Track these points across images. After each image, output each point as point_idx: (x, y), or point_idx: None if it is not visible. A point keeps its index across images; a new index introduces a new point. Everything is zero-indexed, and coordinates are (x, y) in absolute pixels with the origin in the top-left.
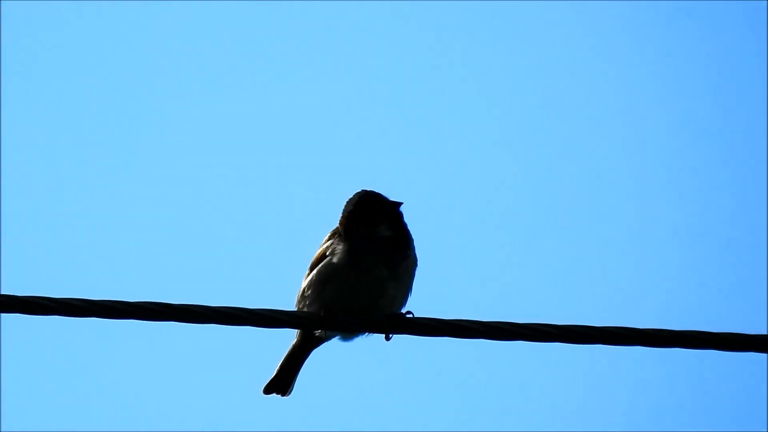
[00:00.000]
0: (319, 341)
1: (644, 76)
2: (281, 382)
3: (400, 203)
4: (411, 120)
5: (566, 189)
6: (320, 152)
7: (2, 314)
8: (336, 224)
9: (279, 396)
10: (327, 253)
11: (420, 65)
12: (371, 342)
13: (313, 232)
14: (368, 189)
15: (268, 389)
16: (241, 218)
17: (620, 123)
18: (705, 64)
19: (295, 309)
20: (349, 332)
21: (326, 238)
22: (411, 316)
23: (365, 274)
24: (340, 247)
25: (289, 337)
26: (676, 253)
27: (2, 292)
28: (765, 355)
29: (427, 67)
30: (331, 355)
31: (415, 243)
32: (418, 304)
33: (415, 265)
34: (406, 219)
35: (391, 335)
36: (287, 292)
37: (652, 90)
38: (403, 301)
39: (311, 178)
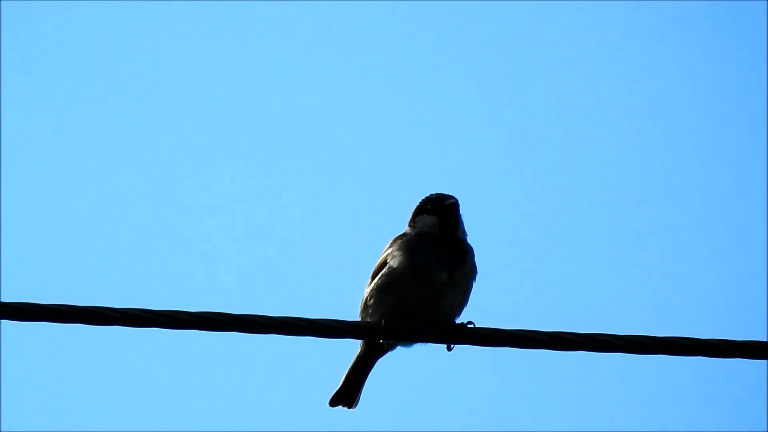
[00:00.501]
0: (383, 351)
1: (644, 75)
2: (347, 394)
3: (454, 203)
4: (470, 123)
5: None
6: (380, 160)
7: (57, 323)
8: (398, 232)
9: (345, 408)
10: (388, 261)
11: (452, 64)
12: (430, 351)
13: (377, 240)
14: (440, 192)
15: (335, 401)
16: (297, 227)
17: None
18: (705, 64)
19: (359, 318)
20: (410, 341)
21: (388, 244)
22: (473, 326)
23: (425, 280)
24: (399, 253)
25: (353, 347)
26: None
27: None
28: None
29: (463, 67)
30: (389, 363)
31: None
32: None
33: (474, 272)
34: (470, 232)
35: (453, 346)
36: (349, 301)
37: (652, 90)
38: (461, 308)
39: (373, 186)
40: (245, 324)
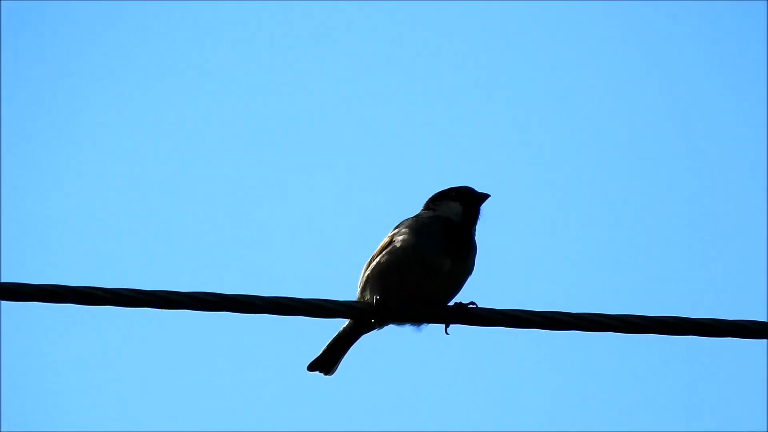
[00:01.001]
0: (372, 328)
1: (646, 75)
2: (326, 362)
3: (485, 196)
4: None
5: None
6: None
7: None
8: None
9: (322, 375)
10: (394, 239)
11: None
12: (426, 331)
13: (375, 225)
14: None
15: (312, 367)
16: (297, 211)
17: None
18: (705, 64)
19: (357, 298)
20: (404, 322)
21: (396, 225)
22: (474, 306)
23: (428, 266)
24: (407, 234)
25: (344, 321)
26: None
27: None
28: (762, 352)
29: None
30: (379, 339)
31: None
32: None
33: (472, 270)
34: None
35: (449, 327)
36: (346, 282)
37: (651, 90)
38: (454, 296)
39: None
40: (237, 304)
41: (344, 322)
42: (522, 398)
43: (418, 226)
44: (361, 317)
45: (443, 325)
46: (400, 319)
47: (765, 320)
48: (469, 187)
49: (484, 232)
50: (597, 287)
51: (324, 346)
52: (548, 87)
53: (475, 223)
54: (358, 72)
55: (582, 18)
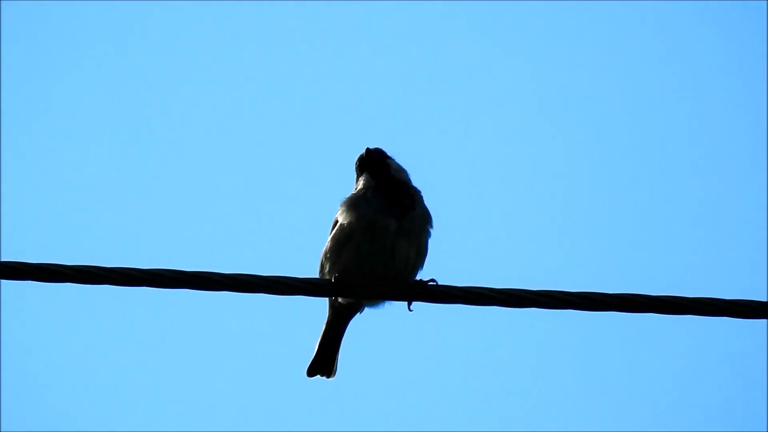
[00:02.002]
0: (350, 313)
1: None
2: (323, 362)
3: (368, 150)
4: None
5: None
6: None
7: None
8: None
9: (325, 378)
10: (338, 219)
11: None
12: (392, 310)
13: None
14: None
15: (312, 371)
16: (259, 192)
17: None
18: (705, 64)
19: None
20: (368, 299)
21: (338, 207)
22: (434, 284)
23: (375, 231)
24: (346, 209)
25: (323, 315)
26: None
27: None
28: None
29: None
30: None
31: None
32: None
33: (426, 217)
34: (425, 190)
35: (412, 304)
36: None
37: (651, 89)
38: (418, 263)
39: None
40: (197, 281)
41: (324, 319)
42: (482, 377)
43: (352, 201)
44: (324, 293)
45: (406, 303)
46: (362, 296)
47: (763, 300)
48: (362, 154)
49: (448, 211)
50: (563, 265)
51: (315, 347)
52: (543, 83)
53: (387, 174)
54: (342, 68)
55: (582, 18)
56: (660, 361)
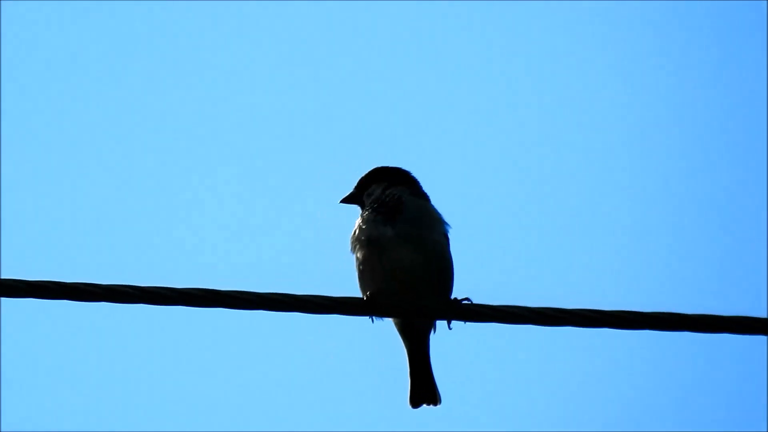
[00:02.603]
0: (422, 334)
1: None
2: (422, 390)
3: (348, 196)
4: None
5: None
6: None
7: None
8: None
9: (432, 406)
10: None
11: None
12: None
13: None
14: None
15: (416, 401)
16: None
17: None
18: (705, 64)
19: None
20: (400, 317)
21: None
22: (468, 302)
23: (376, 244)
24: (356, 233)
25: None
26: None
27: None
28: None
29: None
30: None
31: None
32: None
33: (426, 218)
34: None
35: (451, 322)
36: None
37: (651, 89)
38: (438, 274)
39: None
40: (229, 300)
41: (403, 347)
42: (516, 395)
43: (358, 223)
44: (356, 312)
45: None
46: (394, 315)
47: (763, 316)
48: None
49: (479, 230)
50: (595, 284)
51: (408, 376)
52: (546, 85)
53: (362, 193)
54: (348, 70)
55: (581, 18)
56: (696, 382)
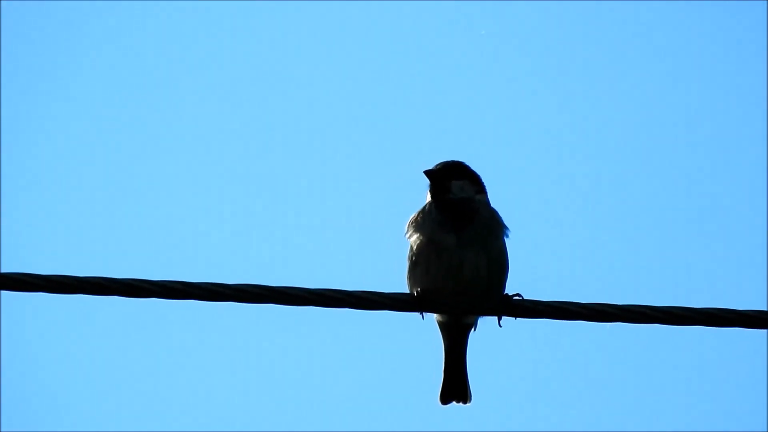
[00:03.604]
0: (463, 331)
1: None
2: (453, 387)
3: (428, 171)
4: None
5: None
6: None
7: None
8: None
9: (461, 404)
10: (408, 239)
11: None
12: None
13: None
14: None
15: (445, 398)
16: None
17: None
18: (705, 64)
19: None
20: (452, 315)
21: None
22: (519, 298)
23: (436, 248)
24: (412, 229)
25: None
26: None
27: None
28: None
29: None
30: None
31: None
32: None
33: (491, 228)
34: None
35: (501, 319)
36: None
37: (650, 89)
38: (496, 273)
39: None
40: (283, 296)
41: (441, 344)
42: (566, 391)
43: (416, 220)
44: (407, 308)
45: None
46: (445, 311)
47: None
48: (429, 170)
49: (531, 226)
50: (645, 279)
51: (442, 373)
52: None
53: (445, 192)
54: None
55: (581, 17)
56: (748, 379)
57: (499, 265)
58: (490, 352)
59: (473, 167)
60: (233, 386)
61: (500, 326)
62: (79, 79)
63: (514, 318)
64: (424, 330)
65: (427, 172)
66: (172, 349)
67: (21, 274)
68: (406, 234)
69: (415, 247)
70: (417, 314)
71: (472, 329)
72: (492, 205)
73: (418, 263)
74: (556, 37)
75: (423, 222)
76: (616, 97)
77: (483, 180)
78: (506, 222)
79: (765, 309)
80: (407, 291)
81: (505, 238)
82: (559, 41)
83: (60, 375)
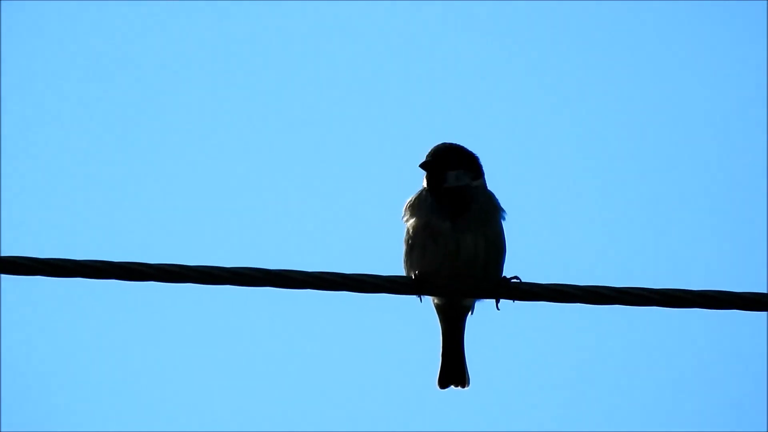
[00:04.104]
0: (460, 315)
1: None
2: (453, 372)
3: (424, 162)
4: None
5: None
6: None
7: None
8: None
9: (460, 388)
10: (405, 222)
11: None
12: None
13: None
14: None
15: (443, 382)
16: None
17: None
18: (705, 64)
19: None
20: (450, 297)
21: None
22: (517, 281)
23: (432, 232)
24: (409, 213)
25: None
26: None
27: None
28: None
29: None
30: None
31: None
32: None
33: (487, 214)
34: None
35: (499, 302)
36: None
37: (650, 89)
38: (494, 255)
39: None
40: (279, 279)
41: (438, 327)
42: (563, 375)
43: (412, 204)
44: (405, 291)
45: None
46: (443, 294)
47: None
48: (423, 162)
49: (528, 209)
50: (643, 261)
51: (440, 357)
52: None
53: (441, 182)
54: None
55: (581, 17)
56: (747, 361)
57: (496, 248)
58: (488, 336)
59: (470, 148)
60: (231, 371)
61: (498, 309)
62: (77, 73)
63: (512, 300)
64: (421, 314)
65: (422, 165)
66: (169, 333)
67: (18, 257)
68: (402, 218)
69: (411, 231)
70: (414, 298)
71: (470, 313)
72: (489, 188)
73: (415, 246)
74: (552, 26)
75: (419, 206)
76: (614, 83)
77: (480, 160)
78: (504, 205)
79: (764, 291)
80: (404, 274)
81: (502, 221)
82: (553, 30)
83: (58, 361)
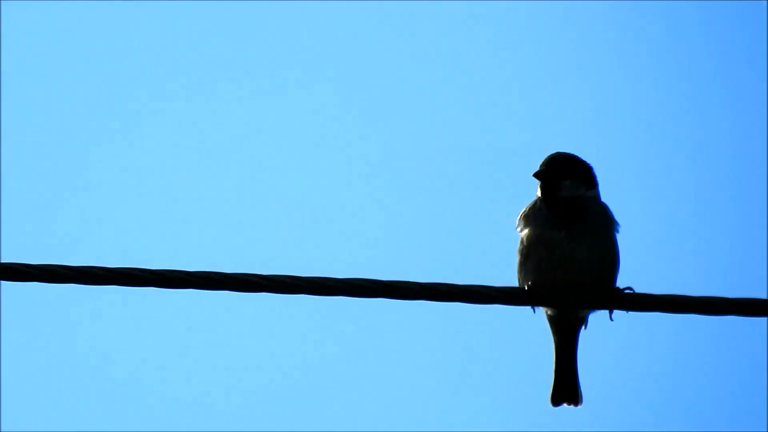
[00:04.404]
0: (573, 328)
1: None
2: (564, 389)
3: (537, 172)
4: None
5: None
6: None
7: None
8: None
9: (572, 406)
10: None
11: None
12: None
13: None
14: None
15: (556, 400)
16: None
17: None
18: (705, 63)
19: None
20: (563, 309)
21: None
22: (630, 291)
23: (545, 243)
24: (523, 223)
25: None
26: None
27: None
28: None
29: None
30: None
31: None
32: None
33: (600, 226)
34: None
35: (612, 312)
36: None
37: (650, 89)
38: (608, 267)
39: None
40: (393, 290)
41: (551, 344)
42: (678, 390)
43: (526, 214)
44: (518, 301)
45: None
46: (554, 305)
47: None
48: (537, 172)
49: (641, 220)
50: (758, 273)
51: (553, 373)
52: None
53: (554, 191)
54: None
55: (581, 17)
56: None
57: (611, 259)
58: (601, 353)
59: (583, 158)
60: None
61: (611, 320)
62: (77, 78)
63: (625, 311)
64: (535, 329)
65: (536, 175)
66: (185, 341)
67: (16, 264)
68: (516, 228)
69: (525, 241)
70: (528, 310)
71: (583, 327)
72: (602, 200)
73: (529, 257)
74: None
75: (534, 217)
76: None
77: (594, 170)
78: (616, 216)
79: None
80: (516, 285)
81: (616, 234)
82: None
83: (58, 363)
